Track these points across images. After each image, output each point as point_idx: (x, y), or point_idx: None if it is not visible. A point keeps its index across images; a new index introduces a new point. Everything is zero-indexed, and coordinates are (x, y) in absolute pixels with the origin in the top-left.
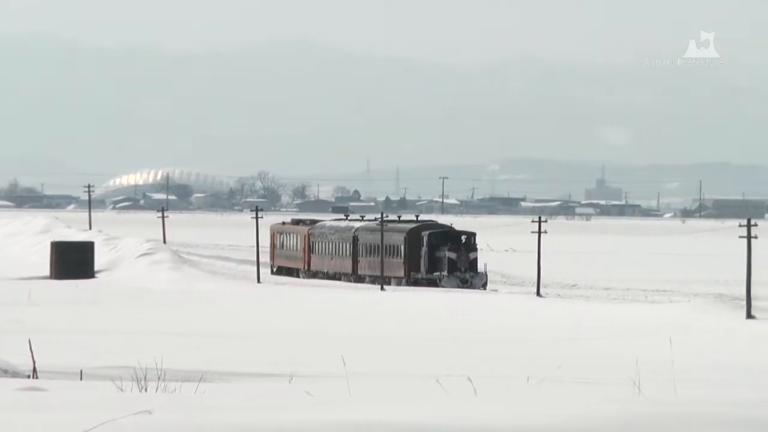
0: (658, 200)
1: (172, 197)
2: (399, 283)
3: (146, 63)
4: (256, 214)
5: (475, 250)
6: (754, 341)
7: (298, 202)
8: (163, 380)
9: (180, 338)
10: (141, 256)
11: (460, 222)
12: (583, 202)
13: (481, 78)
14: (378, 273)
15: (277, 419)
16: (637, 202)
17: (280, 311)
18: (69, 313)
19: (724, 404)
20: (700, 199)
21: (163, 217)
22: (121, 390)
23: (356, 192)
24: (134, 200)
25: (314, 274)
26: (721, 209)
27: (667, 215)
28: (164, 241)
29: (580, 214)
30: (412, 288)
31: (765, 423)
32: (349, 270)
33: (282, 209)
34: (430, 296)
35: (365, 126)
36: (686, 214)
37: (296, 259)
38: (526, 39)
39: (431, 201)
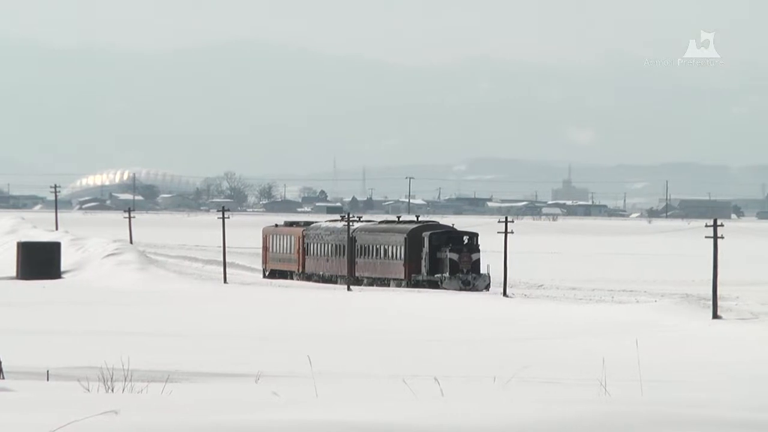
0: (625, 200)
1: (138, 198)
2: (399, 285)
3: (112, 63)
4: (223, 215)
5: (478, 251)
6: (720, 341)
7: (264, 202)
8: (130, 380)
9: (146, 338)
10: (108, 256)
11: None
12: (549, 202)
13: (448, 78)
14: (376, 275)
15: (244, 419)
16: (603, 203)
17: (247, 311)
18: (35, 314)
19: (690, 404)
20: (666, 199)
21: (129, 217)
22: (88, 390)
23: (323, 192)
24: (101, 201)
25: (309, 277)
26: (687, 209)
27: (634, 215)
28: (131, 242)
29: (547, 215)
30: (378, 288)
31: (730, 423)
32: (346, 272)
33: (248, 209)
34: (397, 296)
35: (332, 126)
36: (652, 214)
37: (290, 262)
38: (493, 39)
39: (398, 201)
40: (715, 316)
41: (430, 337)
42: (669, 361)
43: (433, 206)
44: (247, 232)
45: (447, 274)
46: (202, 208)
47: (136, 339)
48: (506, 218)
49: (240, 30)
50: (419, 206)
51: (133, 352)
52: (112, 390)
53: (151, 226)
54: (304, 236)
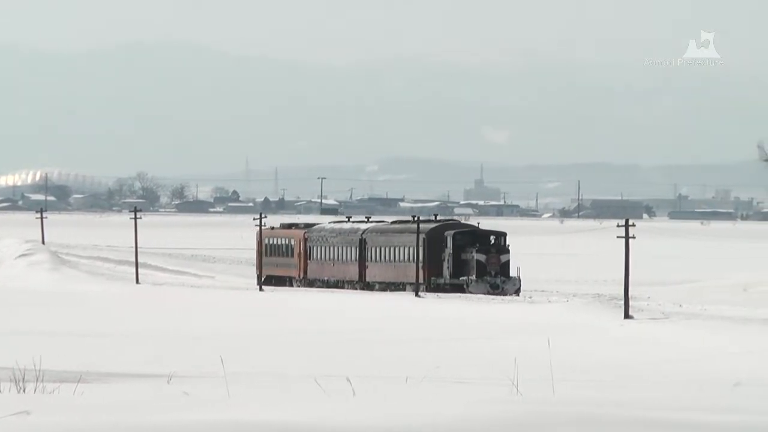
0: (537, 200)
1: (50, 198)
2: (417, 290)
3: (22, 63)
4: (135, 215)
5: (507, 252)
6: (632, 341)
7: (176, 202)
8: (42, 381)
9: (59, 339)
10: (20, 256)
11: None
12: (461, 202)
13: (360, 78)
14: (390, 279)
15: (155, 420)
16: (515, 203)
17: (160, 312)
18: None
19: (601, 404)
20: (578, 199)
21: (41, 217)
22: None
23: (235, 192)
24: (12, 201)
25: (311, 283)
26: (600, 209)
27: (546, 215)
28: (43, 242)
29: (459, 215)
30: (296, 288)
31: (641, 423)
32: (356, 277)
33: (161, 210)
34: (311, 296)
35: (244, 126)
36: (565, 214)
37: (290, 267)
38: (405, 39)
39: (310, 201)
40: (627, 315)
41: (342, 337)
42: (580, 361)
43: (345, 207)
44: (160, 232)
45: (473, 277)
46: (114, 208)
47: (48, 339)
48: (418, 218)
49: (151, 31)
50: (332, 206)
51: (45, 352)
52: (24, 390)
53: (64, 226)
54: (306, 239)
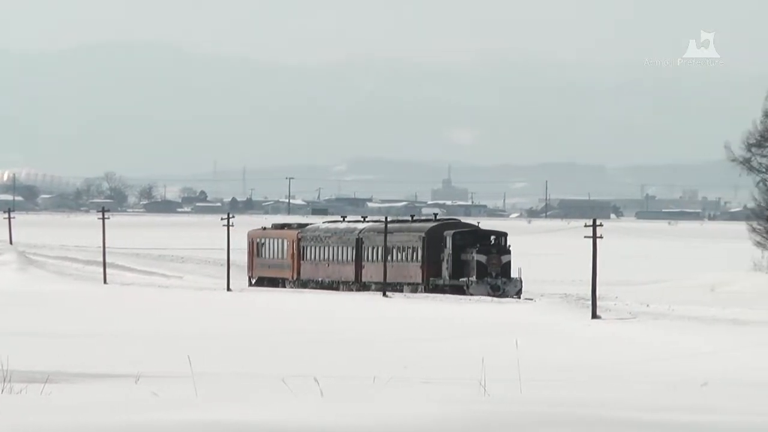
0: (504, 200)
1: (18, 198)
2: (414, 290)
3: None
4: (103, 215)
5: (508, 252)
6: (599, 341)
7: (144, 202)
8: (9, 381)
9: (26, 339)
10: None
11: (306, 223)
12: (429, 202)
13: (327, 78)
14: (388, 280)
15: (124, 420)
16: (483, 203)
17: (128, 312)
18: None
19: (568, 404)
20: (546, 199)
21: (9, 218)
22: None
23: (203, 192)
24: None
25: (305, 284)
26: (567, 209)
27: (513, 215)
28: (11, 242)
29: (426, 215)
30: (260, 288)
31: (608, 422)
32: (351, 277)
33: (129, 210)
34: (278, 296)
35: (212, 127)
36: (532, 214)
37: (282, 268)
38: (372, 39)
39: (278, 201)
40: (595, 315)
41: (309, 337)
42: (548, 361)
43: (313, 207)
44: (128, 232)
45: (474, 278)
46: (82, 208)
47: (16, 340)
48: (386, 218)
49: (119, 30)
50: (299, 206)
51: (12, 353)
52: None
53: (31, 226)
54: (299, 239)
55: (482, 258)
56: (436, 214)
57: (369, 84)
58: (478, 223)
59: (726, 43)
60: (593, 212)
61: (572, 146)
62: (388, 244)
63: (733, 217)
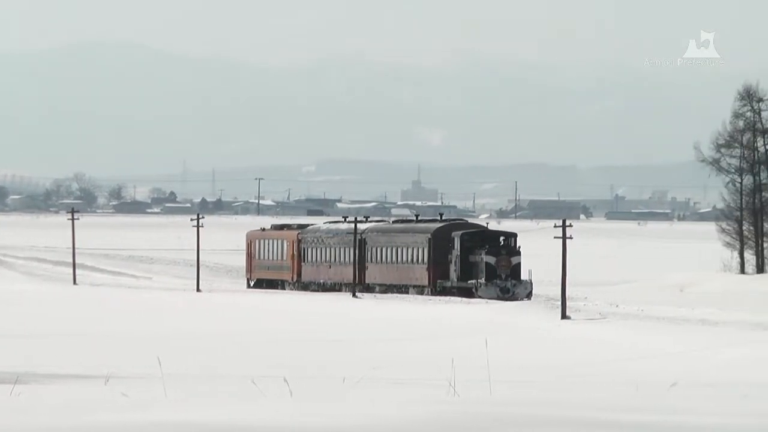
0: (474, 201)
1: None
2: (420, 293)
3: None
4: (72, 216)
5: (518, 254)
6: (569, 342)
7: (114, 203)
8: None
9: None
10: None
11: (278, 222)
12: (399, 203)
13: (297, 78)
14: (392, 281)
15: (93, 421)
16: (452, 203)
17: (97, 313)
18: None
19: (538, 404)
20: (515, 199)
21: None
22: None
23: (172, 193)
24: None
25: (306, 286)
26: (537, 210)
27: (483, 216)
28: None
29: (396, 215)
30: (231, 290)
31: (577, 423)
32: (354, 278)
33: (98, 210)
34: (248, 297)
35: (181, 127)
36: (502, 214)
37: (282, 270)
38: (342, 40)
39: (247, 202)
40: (564, 316)
41: (279, 337)
42: (518, 362)
43: (283, 207)
44: (97, 233)
45: (483, 281)
46: (51, 209)
47: None
48: (356, 219)
49: (88, 31)
50: (269, 207)
51: None
52: None
53: (1, 227)
54: (300, 240)
55: (491, 259)
56: (441, 214)
57: (338, 85)
58: (487, 223)
59: (726, 43)
60: (563, 213)
61: (542, 147)
62: (392, 244)
63: (703, 217)
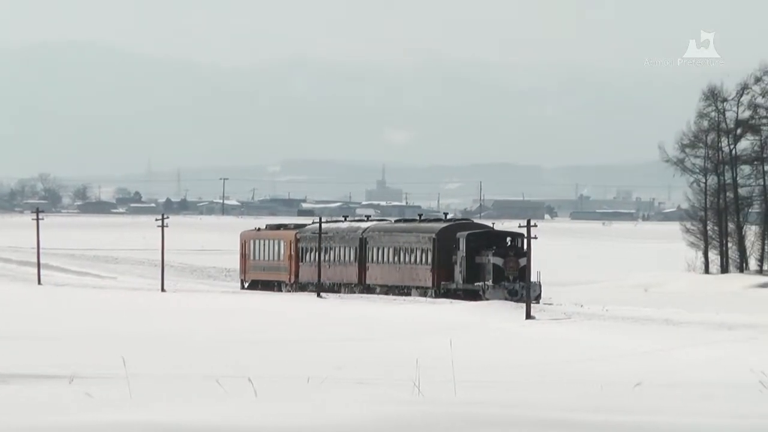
0: (439, 201)
1: None
2: (424, 295)
3: None
4: (37, 216)
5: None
6: (534, 342)
7: (79, 203)
8: None
9: None
10: None
11: (242, 224)
12: (363, 203)
13: (262, 78)
14: (394, 283)
15: (57, 421)
16: (417, 203)
17: (62, 313)
18: None
19: (502, 405)
20: (480, 199)
21: None
22: None
23: (137, 193)
24: None
25: (304, 287)
26: (501, 210)
27: (448, 216)
28: None
29: (361, 215)
30: (200, 290)
31: (542, 423)
32: (355, 279)
33: (63, 210)
34: (209, 296)
35: (146, 127)
36: (466, 214)
37: (279, 270)
38: (306, 40)
39: (212, 202)
40: (529, 316)
41: (243, 337)
42: (482, 362)
43: (248, 207)
44: (62, 233)
45: (490, 283)
46: (16, 209)
47: None
48: (320, 219)
49: (51, 31)
50: (233, 207)
51: None
52: None
53: None
54: (298, 240)
55: (499, 261)
56: (446, 214)
57: (303, 85)
58: (493, 224)
59: (726, 43)
60: (527, 213)
61: (507, 147)
62: (394, 245)
63: (667, 217)
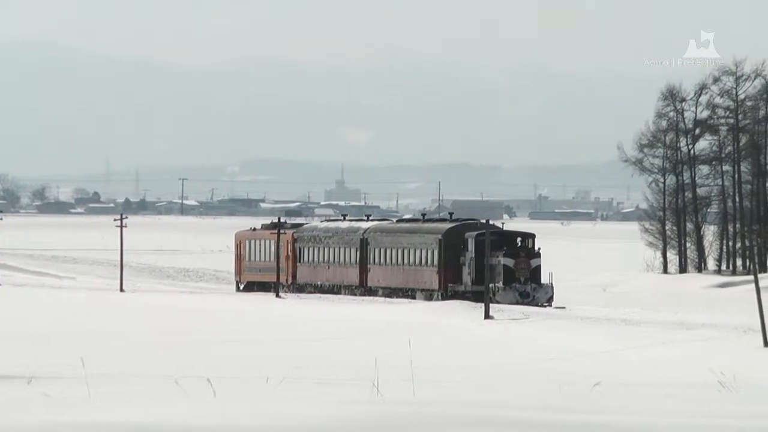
0: (397, 201)
1: None
2: (429, 297)
3: None
4: None
5: (538, 255)
6: (492, 341)
7: (37, 203)
8: None
9: None
10: None
11: (201, 224)
12: (322, 203)
13: (220, 78)
14: (397, 285)
15: (15, 421)
16: (376, 203)
17: (20, 313)
18: None
19: (460, 404)
20: (439, 200)
21: None
22: None
23: (96, 193)
24: None
25: (302, 288)
26: (460, 210)
27: (406, 216)
28: None
29: (320, 216)
30: (158, 289)
31: (500, 423)
32: (356, 281)
33: (21, 211)
34: (170, 296)
35: (104, 127)
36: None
37: (275, 272)
38: (265, 39)
39: (171, 202)
40: (487, 316)
41: (202, 337)
42: (441, 362)
43: (206, 207)
44: (21, 233)
45: (500, 284)
46: None
47: None
48: (278, 219)
49: (8, 30)
50: (192, 207)
51: None
52: None
53: None
54: (295, 240)
55: (509, 262)
56: (451, 213)
57: (262, 84)
58: (503, 224)
59: (726, 43)
60: (486, 213)
61: (466, 147)
62: (397, 246)
63: (626, 217)
